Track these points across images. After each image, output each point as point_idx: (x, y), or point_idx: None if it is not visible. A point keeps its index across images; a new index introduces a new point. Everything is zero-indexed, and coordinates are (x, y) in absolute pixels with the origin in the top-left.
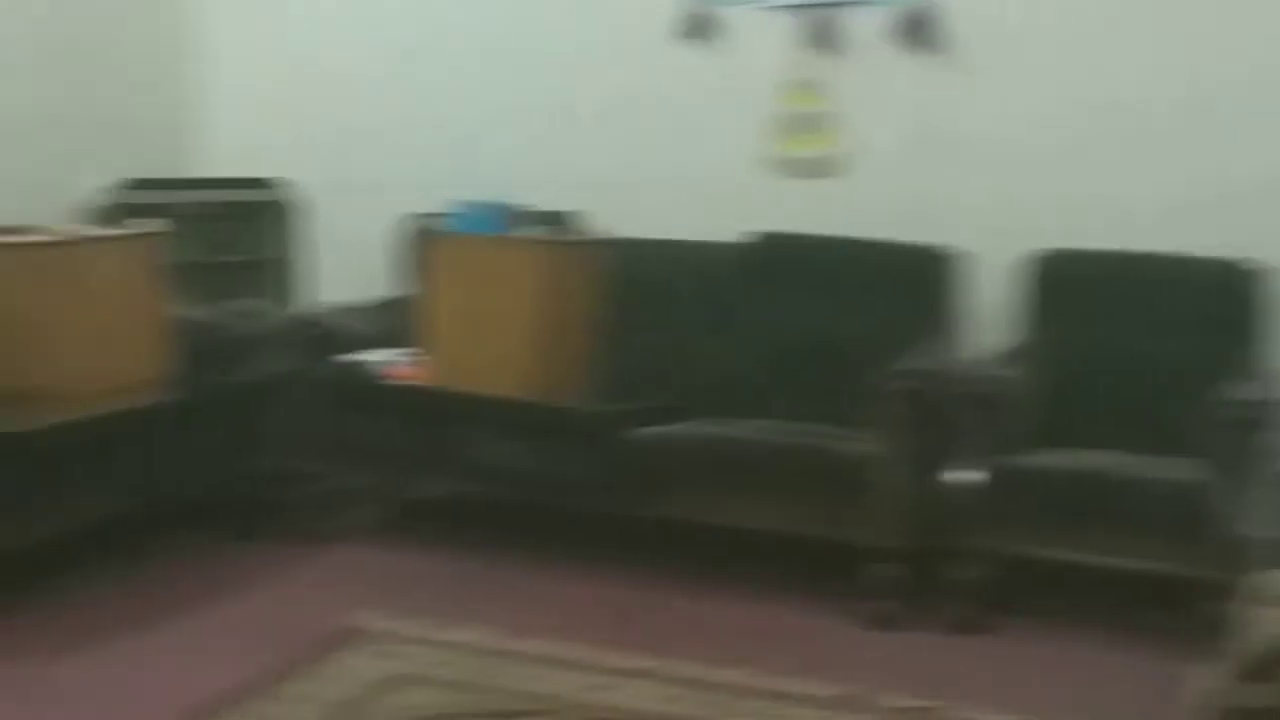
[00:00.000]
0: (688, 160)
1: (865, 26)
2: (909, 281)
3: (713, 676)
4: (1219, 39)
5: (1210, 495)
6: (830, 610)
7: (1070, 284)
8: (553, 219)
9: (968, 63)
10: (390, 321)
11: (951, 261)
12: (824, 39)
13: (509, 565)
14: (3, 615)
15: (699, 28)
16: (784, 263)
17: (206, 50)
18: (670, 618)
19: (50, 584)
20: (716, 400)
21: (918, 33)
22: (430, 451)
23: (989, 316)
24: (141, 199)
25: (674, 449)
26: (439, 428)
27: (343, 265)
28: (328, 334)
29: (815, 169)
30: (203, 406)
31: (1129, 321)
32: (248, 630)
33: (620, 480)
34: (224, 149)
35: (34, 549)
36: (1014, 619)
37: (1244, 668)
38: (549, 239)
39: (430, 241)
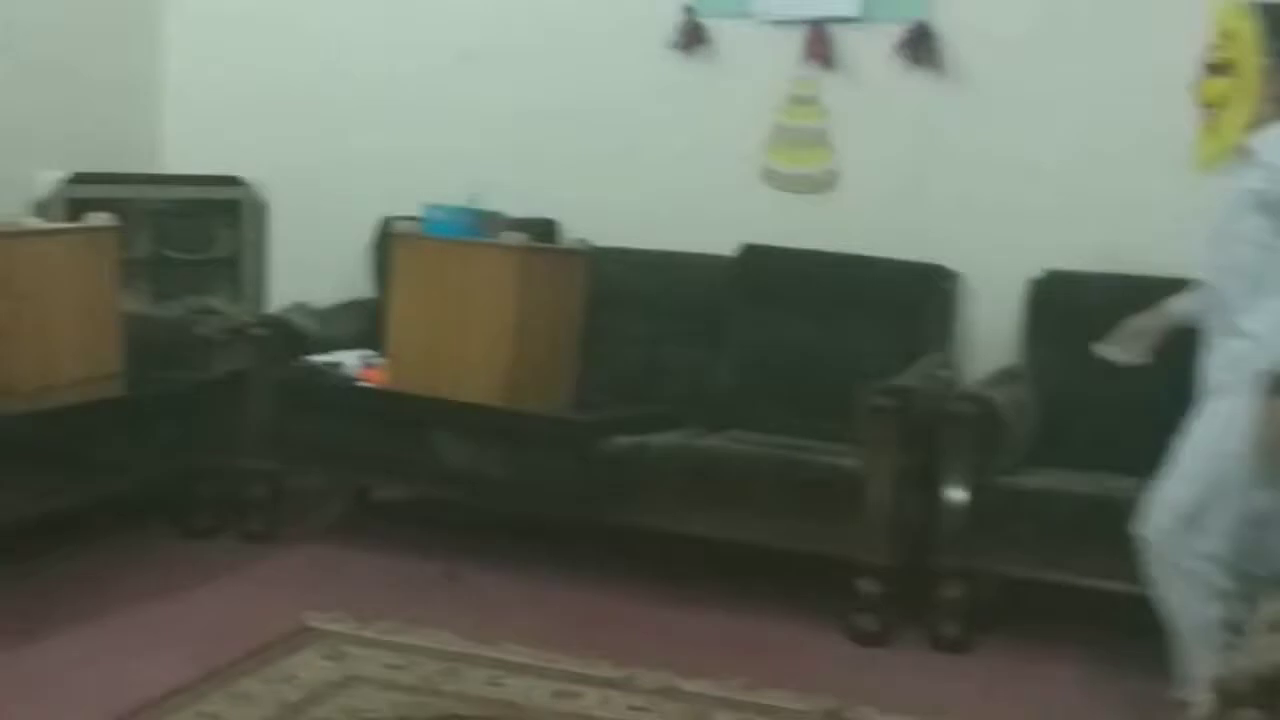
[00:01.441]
0: (681, 172)
1: (865, 43)
2: (899, 299)
3: (683, 687)
4: None
5: None
6: (811, 625)
7: (1064, 306)
8: (530, 226)
9: (968, 81)
10: (358, 323)
11: (943, 280)
12: (822, 55)
13: (477, 571)
14: None
15: (694, 39)
16: (771, 277)
17: (169, 43)
18: (643, 628)
19: None
20: (697, 412)
21: (918, 50)
22: (397, 454)
23: (984, 337)
24: (97, 194)
25: (651, 458)
26: (405, 431)
27: (313, 266)
28: (288, 333)
29: (810, 185)
30: (153, 403)
31: None
32: (199, 628)
33: (595, 488)
34: (189, 145)
35: None
36: (1000, 639)
37: (1232, 693)
38: (522, 245)
39: (399, 243)
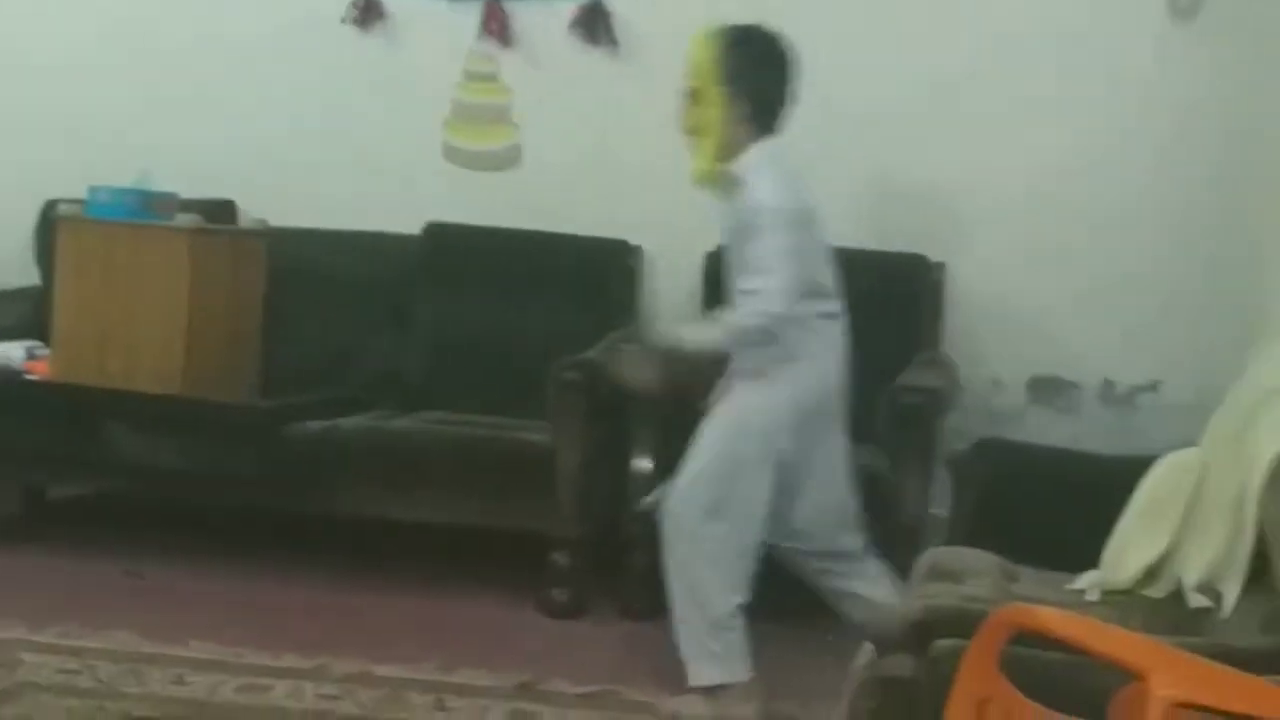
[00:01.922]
0: (362, 150)
1: (543, 20)
2: (585, 275)
3: (376, 672)
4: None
5: (888, 479)
6: (506, 602)
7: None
8: (206, 207)
9: (643, 56)
10: (22, 313)
11: (627, 255)
12: (499, 30)
13: (157, 567)
14: None
15: (371, 14)
16: (457, 255)
17: None
18: (334, 616)
19: None
20: (388, 396)
21: (593, 28)
22: (69, 450)
23: (668, 310)
24: None
25: (339, 443)
26: (77, 425)
27: None
28: None
29: (493, 161)
30: None
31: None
32: None
33: (281, 476)
34: None
35: None
36: None
37: (884, 639)
38: (195, 226)
39: (62, 227)
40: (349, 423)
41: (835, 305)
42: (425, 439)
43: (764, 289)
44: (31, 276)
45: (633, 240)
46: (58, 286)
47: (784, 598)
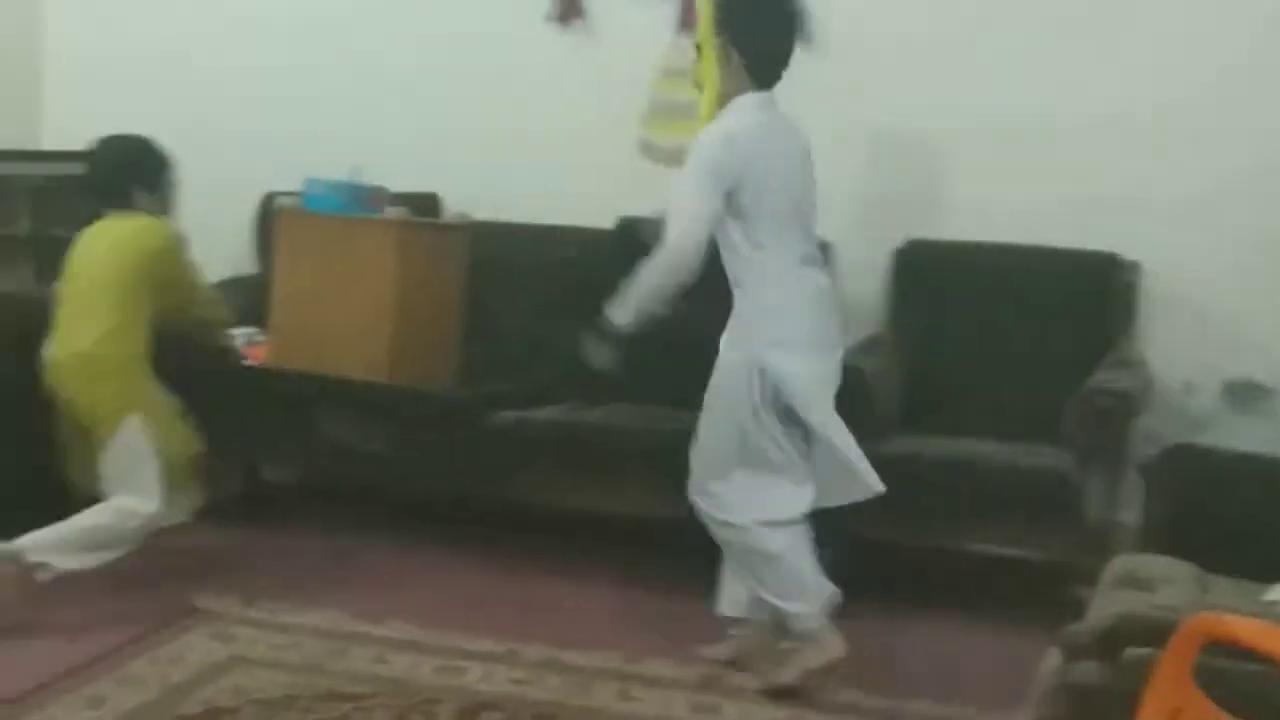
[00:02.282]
0: (559, 145)
1: None
2: None
3: (565, 660)
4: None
5: (1074, 482)
6: (690, 596)
7: (927, 275)
8: (412, 201)
9: (837, 53)
10: (241, 300)
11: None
12: (697, 24)
13: (363, 549)
14: None
15: (572, 11)
16: (649, 249)
17: (48, 20)
18: (526, 602)
19: None
20: (579, 386)
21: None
22: (282, 433)
23: (851, 307)
24: None
25: (532, 433)
26: (289, 410)
27: (196, 243)
28: None
29: (685, 157)
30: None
31: (989, 312)
32: (86, 610)
33: (478, 463)
34: (70, 122)
35: None
36: (869, 603)
37: (1075, 647)
38: (402, 220)
39: (281, 219)
40: (542, 413)
41: (795, 256)
42: (614, 432)
43: (664, 240)
44: (250, 265)
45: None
46: (275, 275)
47: (969, 598)
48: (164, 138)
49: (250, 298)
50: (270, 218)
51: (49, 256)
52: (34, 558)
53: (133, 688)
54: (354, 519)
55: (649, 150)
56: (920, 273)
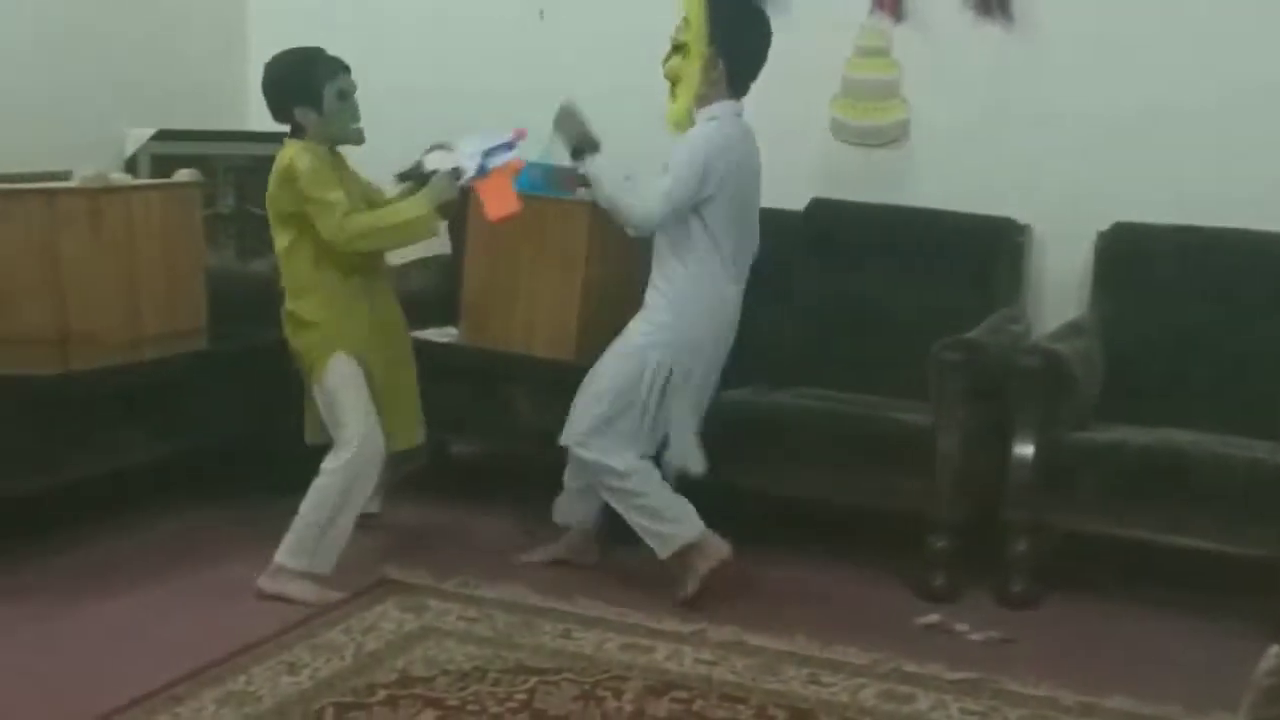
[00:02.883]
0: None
1: None
2: (970, 253)
3: (752, 641)
4: None
5: None
6: (879, 580)
7: (1132, 259)
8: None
9: (1038, 31)
10: (430, 280)
11: (1014, 233)
12: (892, 5)
13: (551, 527)
14: (37, 558)
15: None
16: (839, 231)
17: (255, 4)
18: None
19: (83, 529)
20: (764, 368)
21: (988, 1)
22: (471, 409)
23: (1053, 290)
24: (183, 150)
25: (717, 416)
26: (479, 386)
27: None
28: None
29: (879, 137)
30: (237, 358)
31: (1197, 298)
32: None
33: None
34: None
35: (63, 494)
36: (1069, 595)
37: None
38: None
39: (473, 198)
40: (728, 396)
41: (731, 264)
42: (800, 414)
43: (644, 204)
44: (442, 245)
45: (1021, 218)
46: (467, 255)
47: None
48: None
49: (443, 278)
50: (464, 197)
51: (252, 232)
52: (294, 564)
53: (329, 655)
54: (539, 495)
55: (840, 130)
56: (1125, 258)
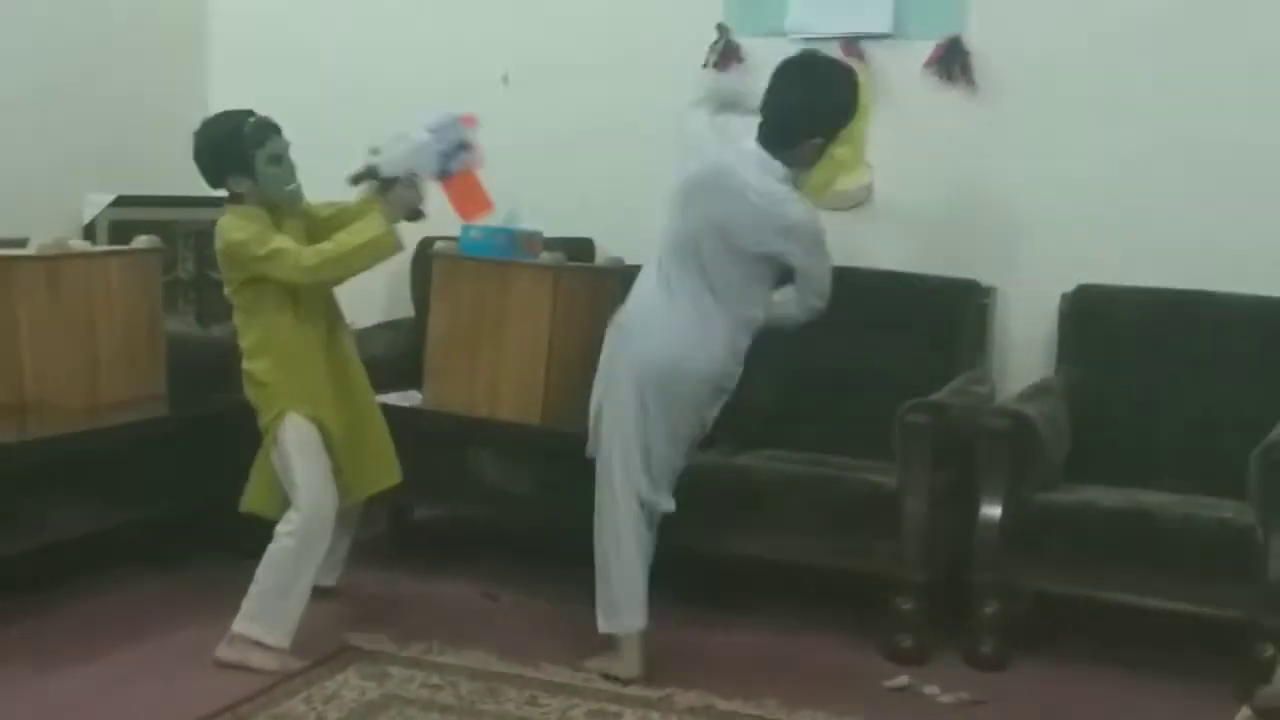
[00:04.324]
0: None
1: (898, 59)
2: (935, 315)
3: (720, 706)
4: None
5: (1257, 536)
6: (847, 643)
7: (1096, 320)
8: (568, 245)
9: (1000, 96)
10: (394, 342)
11: (979, 295)
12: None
13: (513, 590)
14: None
15: (729, 58)
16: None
17: (213, 72)
18: (678, 648)
19: (40, 597)
20: (732, 430)
21: (951, 66)
22: (434, 474)
23: (1018, 352)
24: (142, 216)
25: (693, 478)
26: (443, 450)
27: (355, 286)
28: None
29: (844, 201)
30: (198, 424)
31: (1162, 359)
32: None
33: None
34: None
35: (19, 561)
36: (1038, 656)
37: (1268, 711)
38: (557, 264)
39: (437, 263)
40: (695, 457)
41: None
42: (768, 477)
43: (818, 297)
44: (406, 309)
45: (985, 281)
46: (431, 318)
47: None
48: (317, 187)
49: (406, 340)
50: (426, 262)
51: (212, 298)
52: (252, 632)
53: None
54: (503, 560)
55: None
56: (1090, 319)
